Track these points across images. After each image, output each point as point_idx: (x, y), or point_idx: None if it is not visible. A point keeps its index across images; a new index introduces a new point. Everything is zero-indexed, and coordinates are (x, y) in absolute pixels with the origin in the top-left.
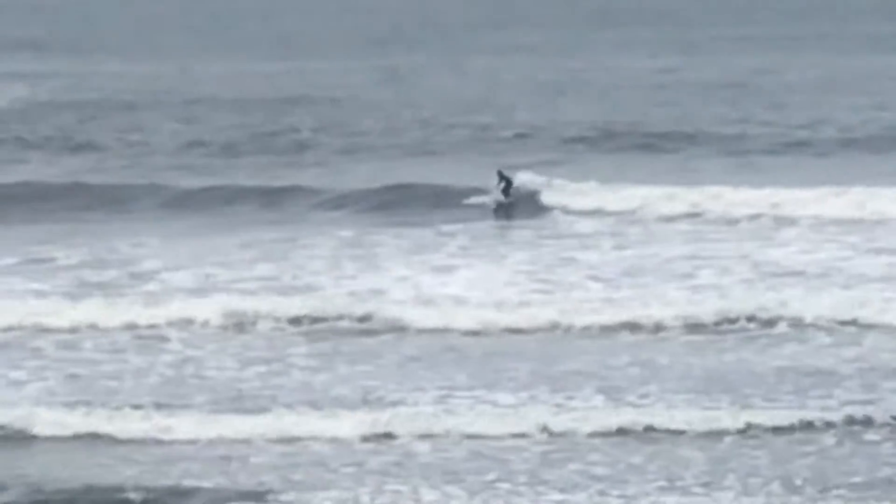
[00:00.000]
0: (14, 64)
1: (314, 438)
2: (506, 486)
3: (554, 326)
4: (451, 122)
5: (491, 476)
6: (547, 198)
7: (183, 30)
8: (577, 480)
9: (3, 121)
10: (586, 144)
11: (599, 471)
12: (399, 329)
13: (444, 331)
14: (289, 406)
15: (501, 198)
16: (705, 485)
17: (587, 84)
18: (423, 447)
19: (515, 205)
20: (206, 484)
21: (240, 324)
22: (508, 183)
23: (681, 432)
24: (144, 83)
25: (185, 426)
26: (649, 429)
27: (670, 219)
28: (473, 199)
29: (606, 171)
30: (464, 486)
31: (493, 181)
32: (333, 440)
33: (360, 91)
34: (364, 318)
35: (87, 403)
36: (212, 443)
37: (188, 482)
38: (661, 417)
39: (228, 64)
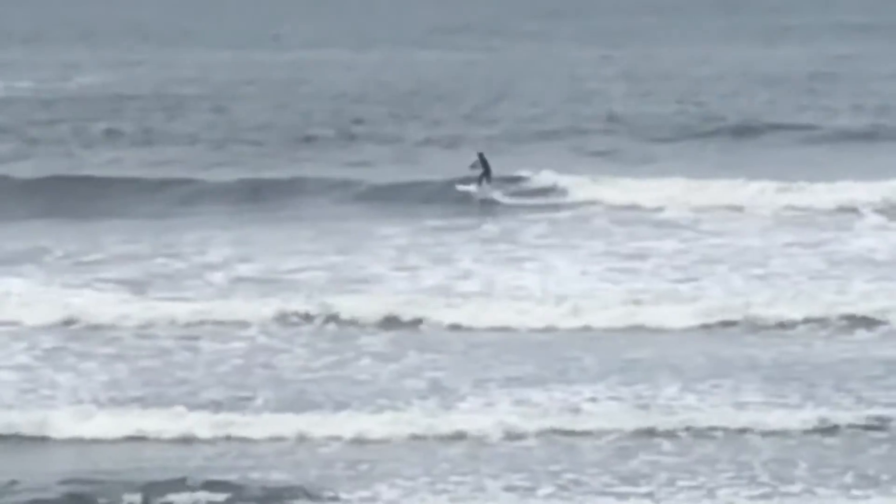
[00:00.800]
0: (97, 52)
1: (382, 431)
2: (571, 475)
3: (622, 320)
4: (529, 113)
5: (558, 467)
6: (614, 191)
7: (256, 20)
8: (646, 471)
9: (74, 108)
10: (666, 134)
11: (669, 461)
12: (468, 323)
13: (514, 326)
14: (358, 398)
15: (475, 186)
16: (775, 476)
17: (667, 73)
18: (493, 439)
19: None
20: (275, 476)
21: (307, 316)
22: (487, 170)
23: (752, 424)
24: (226, 73)
25: (253, 421)
26: (719, 422)
27: (743, 210)
28: (461, 188)
29: (680, 163)
30: (529, 476)
31: (478, 165)
32: (402, 432)
33: (436, 82)
34: (431, 312)
35: (156, 396)
36: (280, 438)
37: (254, 475)
38: (731, 410)
39: (301, 53)
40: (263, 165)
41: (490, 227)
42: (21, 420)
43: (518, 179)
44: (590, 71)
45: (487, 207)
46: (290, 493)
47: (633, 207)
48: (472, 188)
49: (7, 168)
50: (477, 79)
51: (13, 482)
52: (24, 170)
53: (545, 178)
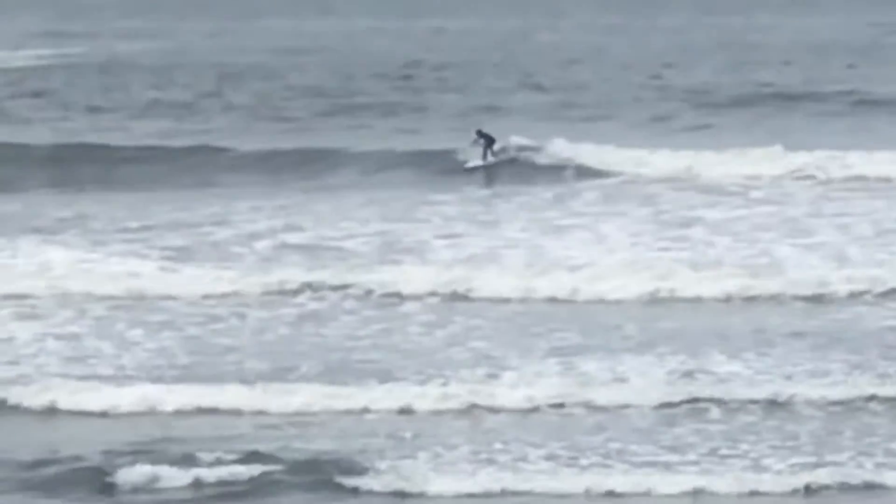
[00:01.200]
0: (152, 21)
1: (426, 400)
2: (616, 445)
3: (667, 289)
4: (581, 80)
5: (602, 436)
6: (662, 159)
7: None
8: (691, 441)
9: (125, 76)
10: (715, 102)
11: (714, 430)
12: (514, 292)
13: (559, 296)
14: (403, 367)
15: (481, 160)
16: (822, 444)
17: (717, 41)
18: (537, 408)
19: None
20: (318, 446)
21: (354, 285)
22: (490, 142)
23: (797, 393)
24: (278, 41)
25: (298, 391)
26: (765, 391)
27: (792, 178)
28: (472, 164)
29: (729, 131)
30: (572, 445)
31: (479, 142)
32: (446, 402)
33: (487, 50)
34: (477, 281)
35: (201, 366)
36: (324, 408)
37: (298, 444)
38: (776, 379)
39: (353, 22)
40: (311, 133)
41: (538, 196)
42: (63, 389)
43: (555, 149)
44: (642, 39)
45: (534, 176)
46: (334, 463)
47: (683, 176)
48: (478, 162)
49: (56, 135)
50: (528, 47)
51: (54, 452)
52: (71, 136)
53: (589, 149)
